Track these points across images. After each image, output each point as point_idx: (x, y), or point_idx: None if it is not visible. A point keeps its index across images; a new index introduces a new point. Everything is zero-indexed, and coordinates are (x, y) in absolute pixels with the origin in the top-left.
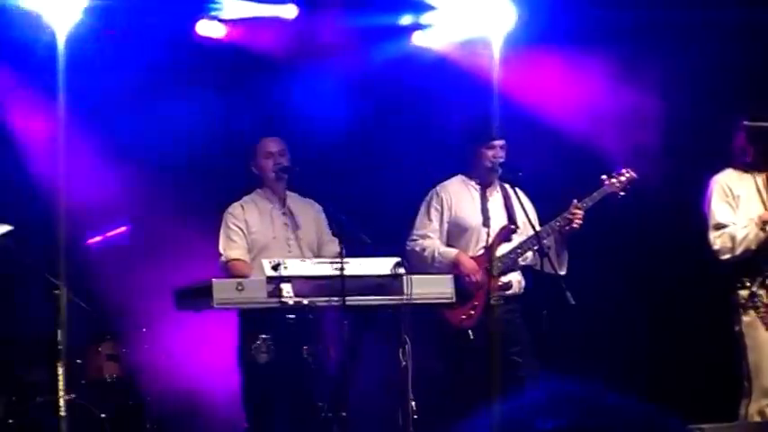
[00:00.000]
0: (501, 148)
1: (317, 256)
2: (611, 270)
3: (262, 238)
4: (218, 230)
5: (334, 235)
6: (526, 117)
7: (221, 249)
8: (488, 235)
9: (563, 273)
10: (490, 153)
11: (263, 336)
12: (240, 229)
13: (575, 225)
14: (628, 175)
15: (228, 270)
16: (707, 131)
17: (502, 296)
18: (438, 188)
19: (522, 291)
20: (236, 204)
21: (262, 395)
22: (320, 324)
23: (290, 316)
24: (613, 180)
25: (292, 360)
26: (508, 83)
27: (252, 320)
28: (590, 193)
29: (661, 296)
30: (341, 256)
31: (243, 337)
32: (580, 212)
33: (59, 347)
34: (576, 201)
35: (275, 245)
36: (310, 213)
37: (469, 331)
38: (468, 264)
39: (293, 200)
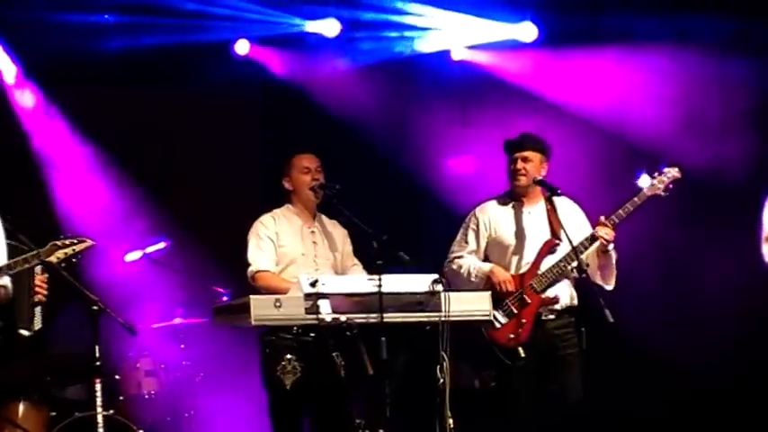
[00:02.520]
0: (522, 159)
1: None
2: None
3: (290, 252)
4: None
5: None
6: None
7: (250, 259)
8: (522, 253)
9: (609, 288)
10: (511, 167)
11: (289, 356)
12: (270, 239)
13: (603, 242)
14: (671, 174)
15: (256, 280)
16: None
17: (551, 310)
18: (476, 209)
19: (574, 302)
20: (267, 215)
21: (290, 417)
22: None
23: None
24: (655, 181)
25: (324, 378)
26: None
27: (272, 340)
28: (630, 199)
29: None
30: (379, 272)
31: (266, 358)
32: (607, 228)
33: (97, 364)
34: (602, 217)
35: (303, 261)
36: (337, 236)
37: (519, 348)
38: (500, 273)
39: (322, 220)
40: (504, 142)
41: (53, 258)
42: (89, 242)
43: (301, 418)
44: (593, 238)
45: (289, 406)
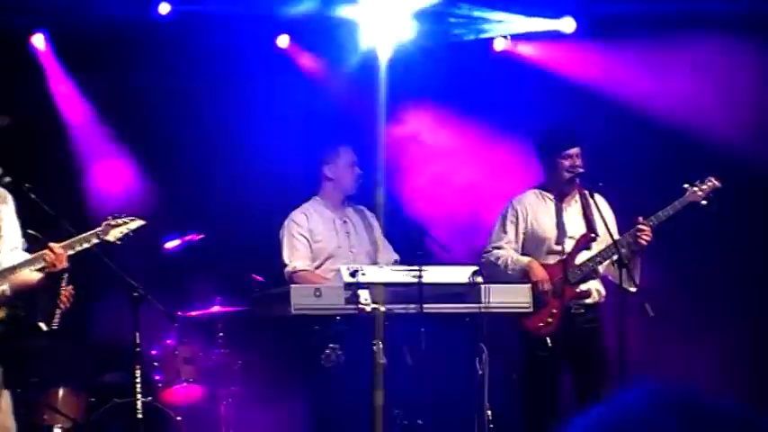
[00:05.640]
0: (577, 156)
1: (374, 262)
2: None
3: (327, 247)
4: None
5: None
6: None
7: (286, 259)
8: (563, 247)
9: (633, 290)
10: (567, 163)
11: (333, 345)
12: (305, 237)
13: (642, 242)
14: (710, 183)
15: (294, 280)
16: None
17: (581, 304)
18: (514, 201)
19: (602, 299)
20: (297, 212)
21: (330, 405)
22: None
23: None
24: (695, 189)
25: (365, 368)
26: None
27: (319, 329)
28: (670, 203)
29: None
30: (420, 262)
31: (309, 346)
32: (646, 229)
33: (137, 350)
34: (641, 218)
35: (339, 253)
36: (364, 220)
37: (547, 338)
38: (539, 271)
39: (349, 208)
40: (553, 136)
41: (110, 237)
42: (140, 221)
43: (348, 406)
44: (634, 238)
45: (330, 393)
